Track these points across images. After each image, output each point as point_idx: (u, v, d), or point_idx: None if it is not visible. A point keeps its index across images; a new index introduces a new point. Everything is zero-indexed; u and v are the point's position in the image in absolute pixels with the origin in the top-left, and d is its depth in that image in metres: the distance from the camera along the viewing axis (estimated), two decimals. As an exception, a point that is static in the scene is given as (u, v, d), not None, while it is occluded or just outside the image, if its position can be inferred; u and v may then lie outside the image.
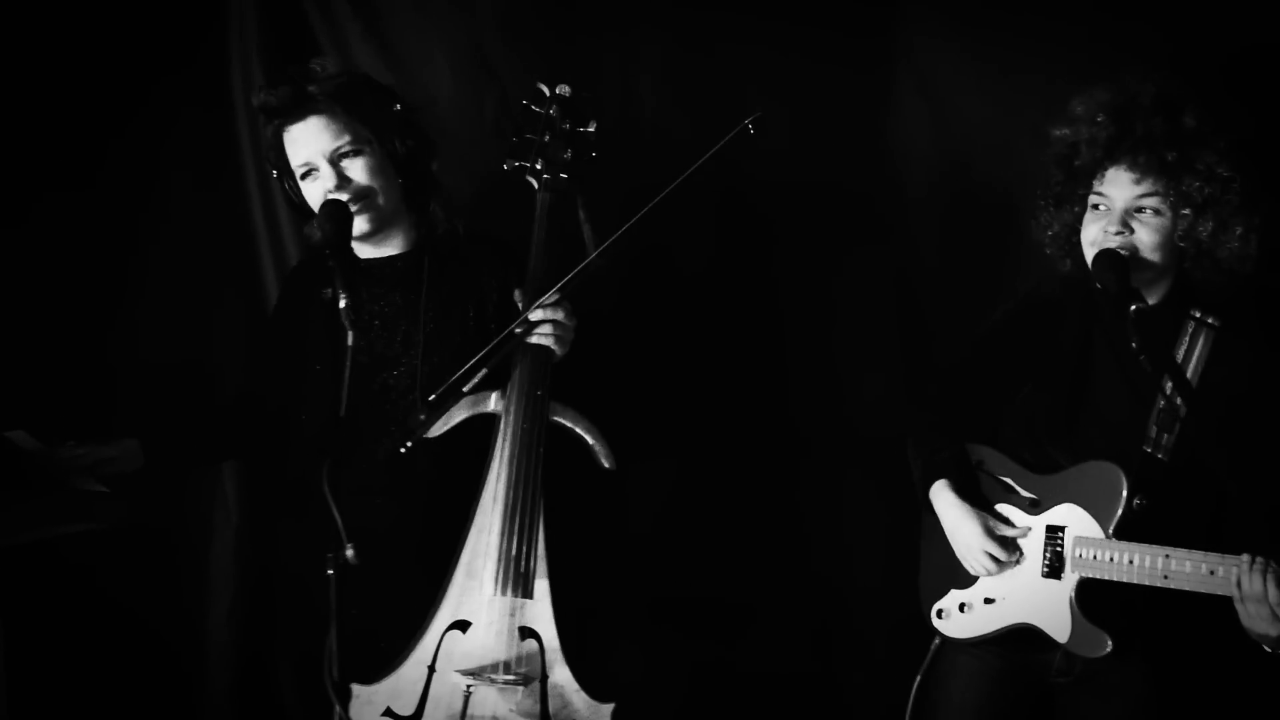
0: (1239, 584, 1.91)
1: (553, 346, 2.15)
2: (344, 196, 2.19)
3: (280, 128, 2.23)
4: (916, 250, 2.72)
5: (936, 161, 2.68)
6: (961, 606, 2.24)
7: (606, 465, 2.19)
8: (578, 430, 2.20)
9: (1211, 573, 1.95)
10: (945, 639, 2.27)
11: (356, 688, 2.07)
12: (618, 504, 2.54)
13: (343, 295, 1.86)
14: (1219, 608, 2.00)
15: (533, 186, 2.29)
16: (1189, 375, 2.10)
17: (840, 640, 2.78)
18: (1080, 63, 2.41)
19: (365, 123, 2.21)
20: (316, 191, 2.22)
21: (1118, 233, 2.06)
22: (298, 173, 2.24)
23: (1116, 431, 2.14)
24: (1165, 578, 2.00)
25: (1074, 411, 2.19)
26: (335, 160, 2.20)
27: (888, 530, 2.61)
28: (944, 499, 2.21)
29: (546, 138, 2.28)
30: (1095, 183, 2.11)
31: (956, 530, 2.20)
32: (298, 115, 2.20)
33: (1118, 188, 2.08)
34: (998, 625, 2.20)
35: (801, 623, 2.76)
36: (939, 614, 2.27)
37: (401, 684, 2.08)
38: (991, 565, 2.16)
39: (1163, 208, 2.06)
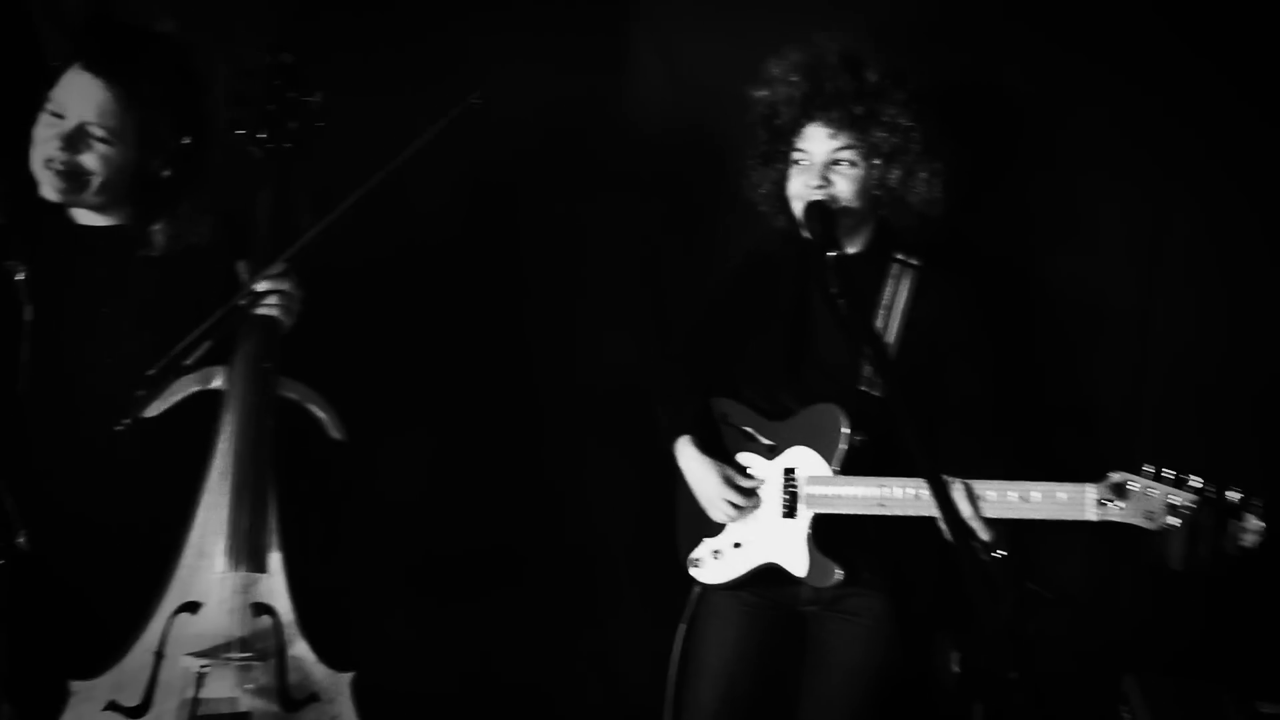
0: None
1: (280, 317, 2.11)
2: (57, 154, 2.04)
3: (75, 62, 2.04)
4: (657, 210, 2.78)
5: (674, 120, 2.74)
6: (715, 553, 2.34)
7: (335, 437, 2.16)
8: (305, 404, 2.16)
9: (918, 496, 2.10)
10: (704, 586, 2.37)
11: (75, 684, 1.97)
12: (364, 472, 2.49)
13: (20, 268, 1.76)
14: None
15: (257, 155, 2.21)
16: (896, 313, 2.24)
17: (605, 594, 2.84)
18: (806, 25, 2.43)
19: (140, 130, 2.07)
20: (45, 134, 2.05)
21: (819, 186, 2.19)
22: (47, 105, 2.05)
23: (836, 373, 2.27)
24: (881, 505, 2.15)
25: (797, 358, 2.30)
26: (80, 130, 2.03)
27: (644, 486, 2.67)
28: (686, 454, 2.33)
29: (271, 106, 2.22)
30: (796, 139, 2.23)
31: (699, 483, 2.31)
32: (97, 69, 2.02)
33: (816, 143, 2.21)
34: (747, 567, 2.32)
35: (570, 580, 2.81)
36: (694, 563, 2.37)
37: (125, 675, 2.00)
38: (732, 512, 2.28)
39: (857, 159, 2.20)
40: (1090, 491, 1.96)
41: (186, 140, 2.12)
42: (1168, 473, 1.83)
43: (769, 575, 2.30)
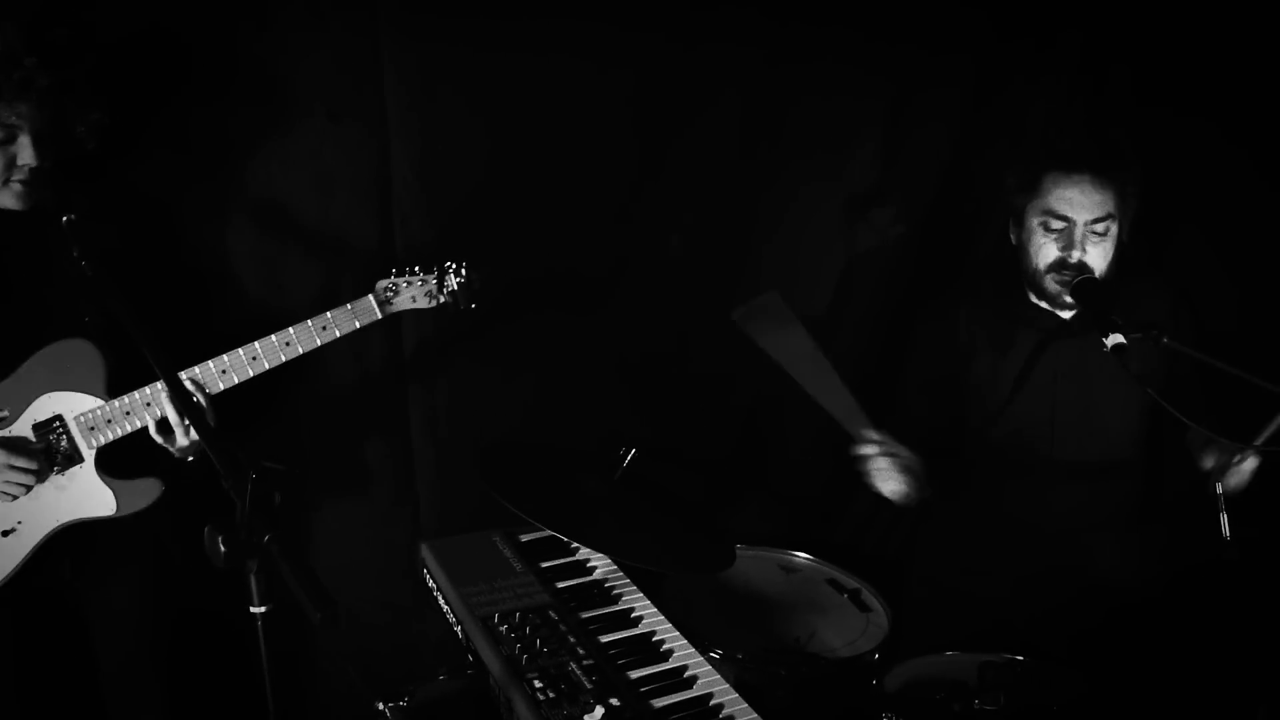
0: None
1: None
2: None
3: None
4: None
5: None
6: None
7: None
8: None
9: (224, 371, 2.23)
10: None
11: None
12: None
13: None
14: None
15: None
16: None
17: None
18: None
19: None
20: None
21: (33, 159, 2.10)
22: None
23: (57, 318, 2.21)
24: (195, 396, 2.19)
25: (16, 314, 2.20)
26: None
27: None
28: None
29: None
30: (6, 115, 2.07)
31: None
32: None
33: (27, 120, 2.09)
34: (30, 545, 2.20)
35: None
36: None
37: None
38: (24, 478, 2.16)
39: (55, 126, 2.13)
40: (370, 300, 2.32)
41: None
42: (412, 269, 2.36)
43: (33, 569, 2.22)
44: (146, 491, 2.23)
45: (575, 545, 2.47)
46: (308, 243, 2.70)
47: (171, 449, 2.24)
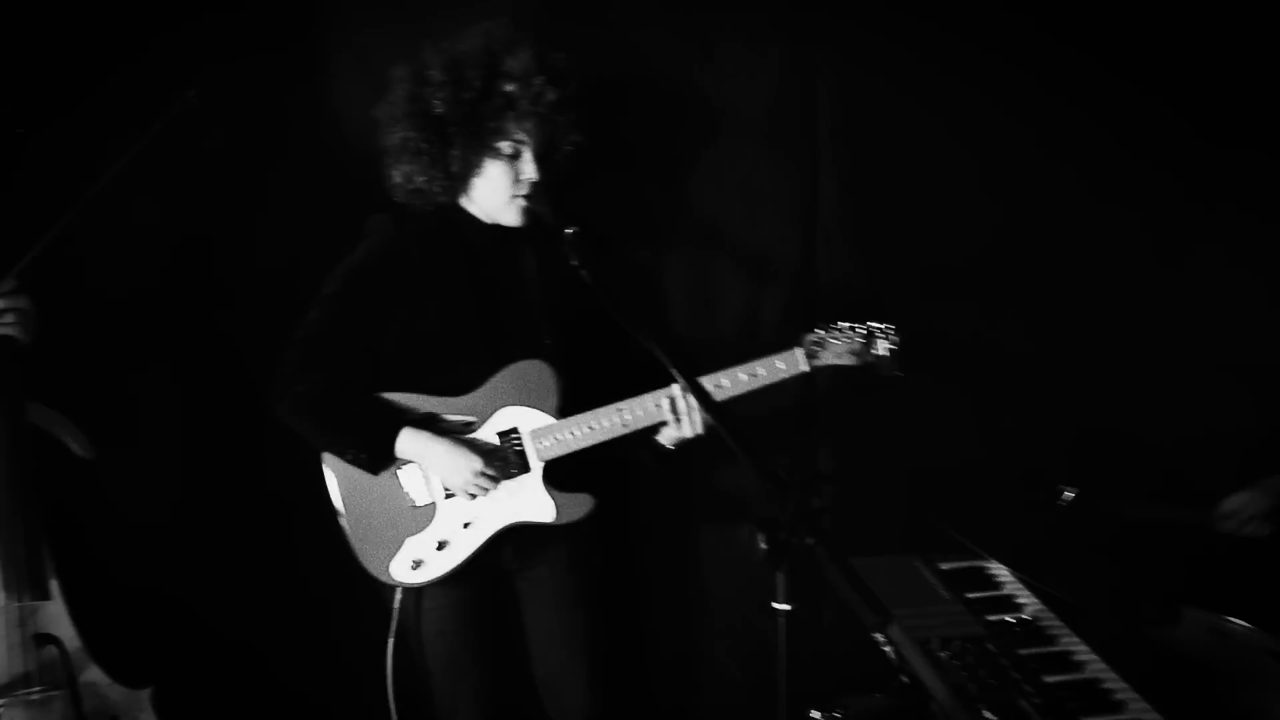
0: (674, 406, 2.32)
1: (17, 335, 2.07)
2: None
3: None
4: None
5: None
6: (440, 545, 2.32)
7: (82, 454, 2.11)
8: (49, 428, 2.11)
9: (659, 406, 2.35)
10: (408, 590, 2.32)
11: None
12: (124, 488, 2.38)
13: None
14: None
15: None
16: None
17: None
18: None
19: None
20: None
21: (535, 174, 2.30)
22: None
23: (519, 335, 2.36)
24: (625, 425, 2.35)
25: (489, 328, 2.34)
26: None
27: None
28: (418, 440, 2.26)
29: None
30: (515, 131, 2.29)
31: (447, 461, 2.27)
32: None
33: (532, 137, 2.31)
34: (482, 540, 2.35)
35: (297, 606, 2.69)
36: (415, 565, 2.30)
37: (-94, 726, 1.96)
38: (489, 484, 2.30)
39: (553, 148, 2.35)
40: (798, 352, 2.38)
41: None
42: (842, 324, 2.38)
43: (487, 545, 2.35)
44: (582, 505, 2.36)
45: (1000, 579, 2.44)
46: (735, 260, 2.84)
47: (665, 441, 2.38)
